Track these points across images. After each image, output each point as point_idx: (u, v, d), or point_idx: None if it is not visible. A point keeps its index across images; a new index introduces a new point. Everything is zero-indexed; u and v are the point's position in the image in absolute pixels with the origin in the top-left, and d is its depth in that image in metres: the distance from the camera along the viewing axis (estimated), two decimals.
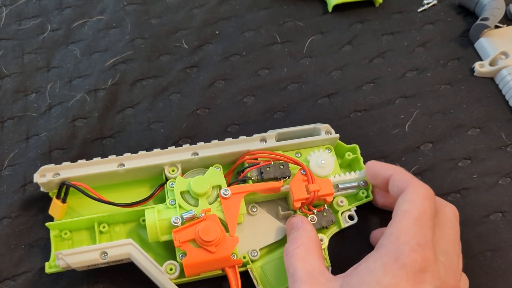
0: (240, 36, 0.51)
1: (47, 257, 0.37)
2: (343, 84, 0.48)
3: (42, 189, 0.38)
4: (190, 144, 0.39)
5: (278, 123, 0.45)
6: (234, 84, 0.48)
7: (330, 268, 0.37)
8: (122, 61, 0.48)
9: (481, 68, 0.48)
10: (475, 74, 0.48)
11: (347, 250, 0.39)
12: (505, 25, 0.50)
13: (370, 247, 0.39)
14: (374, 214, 0.41)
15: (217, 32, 0.51)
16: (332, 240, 0.38)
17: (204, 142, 0.39)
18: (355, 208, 0.39)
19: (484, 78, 0.48)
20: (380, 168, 0.37)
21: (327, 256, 0.37)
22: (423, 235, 0.30)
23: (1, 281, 0.38)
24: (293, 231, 0.35)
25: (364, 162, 0.40)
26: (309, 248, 0.33)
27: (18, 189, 0.41)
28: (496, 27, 0.50)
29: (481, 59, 0.49)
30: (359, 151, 0.41)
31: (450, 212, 0.34)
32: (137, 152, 0.43)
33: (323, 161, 0.39)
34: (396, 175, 0.35)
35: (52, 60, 0.48)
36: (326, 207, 0.38)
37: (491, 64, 0.47)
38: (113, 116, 0.45)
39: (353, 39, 0.51)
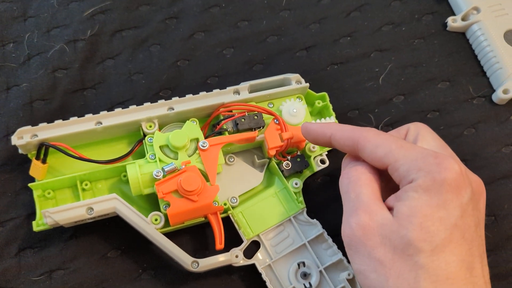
0: None
1: (33, 204, 0.38)
2: (321, 37, 0.49)
3: (20, 151, 0.38)
4: (171, 96, 0.40)
5: (257, 75, 0.46)
6: (214, 36, 0.48)
7: (305, 209, 0.39)
8: (101, 11, 0.48)
9: (454, 23, 0.49)
10: (447, 29, 0.49)
11: (320, 194, 0.42)
12: None
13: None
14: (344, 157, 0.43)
15: None
16: (306, 185, 0.41)
17: (185, 94, 0.40)
18: (326, 153, 0.41)
19: (456, 33, 0.50)
20: (316, 129, 0.36)
21: (302, 198, 0.39)
22: (426, 152, 0.30)
23: None
24: (352, 162, 0.34)
25: (336, 113, 0.42)
26: (370, 177, 0.32)
27: (2, 139, 0.42)
28: None
29: (454, 14, 0.50)
30: (328, 99, 0.43)
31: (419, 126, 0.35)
32: (119, 104, 0.44)
33: (294, 110, 0.41)
34: (338, 133, 0.34)
35: (28, 9, 0.48)
36: (299, 153, 0.41)
37: (463, 19, 0.49)
38: (93, 67, 0.46)
39: None
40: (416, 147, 0.31)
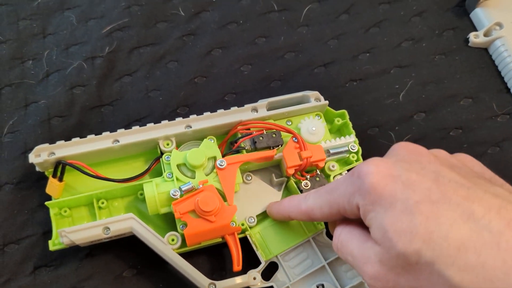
0: (237, 3, 0.50)
1: (49, 221, 0.37)
2: (339, 53, 0.48)
3: (37, 168, 0.38)
4: (189, 113, 0.39)
5: (274, 91, 0.46)
6: (231, 53, 0.48)
7: (325, 230, 0.38)
8: (119, 29, 0.48)
9: (476, 38, 0.48)
10: (469, 44, 0.49)
11: None
12: None
13: None
14: None
15: (214, 0, 0.50)
16: None
17: (202, 111, 0.40)
18: (346, 172, 0.40)
19: (478, 49, 0.49)
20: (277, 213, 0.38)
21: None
22: (349, 174, 0.29)
23: (5, 245, 0.39)
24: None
25: (356, 130, 0.41)
26: (346, 226, 0.31)
27: (19, 156, 0.42)
28: None
29: (476, 30, 0.49)
30: (347, 116, 0.42)
31: None
32: (136, 120, 0.44)
33: (313, 128, 0.40)
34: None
35: (48, 26, 0.48)
36: (318, 172, 0.40)
37: (485, 34, 0.48)
38: (111, 84, 0.46)
39: (350, 7, 0.51)
40: (338, 180, 0.30)
